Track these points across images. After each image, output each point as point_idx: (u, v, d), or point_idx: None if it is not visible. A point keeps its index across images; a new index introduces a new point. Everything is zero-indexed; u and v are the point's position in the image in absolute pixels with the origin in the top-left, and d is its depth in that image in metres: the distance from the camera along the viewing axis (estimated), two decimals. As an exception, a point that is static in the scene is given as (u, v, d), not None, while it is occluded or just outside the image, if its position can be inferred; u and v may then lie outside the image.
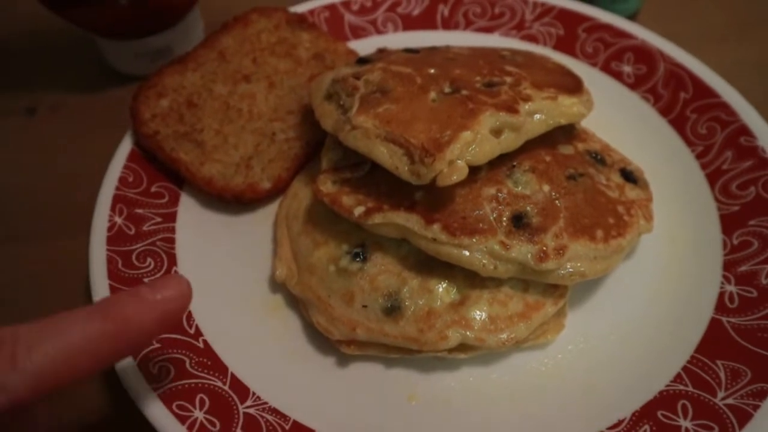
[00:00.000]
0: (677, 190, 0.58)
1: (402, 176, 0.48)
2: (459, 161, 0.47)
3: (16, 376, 0.31)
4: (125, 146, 0.60)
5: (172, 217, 0.58)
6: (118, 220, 0.55)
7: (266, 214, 0.60)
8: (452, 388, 0.49)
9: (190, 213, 0.59)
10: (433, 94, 0.52)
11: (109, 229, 0.54)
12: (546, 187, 0.51)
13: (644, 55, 0.66)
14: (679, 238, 0.56)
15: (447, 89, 0.53)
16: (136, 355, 0.46)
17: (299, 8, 0.73)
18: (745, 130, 0.58)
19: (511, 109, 0.50)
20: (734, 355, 0.47)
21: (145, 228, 0.56)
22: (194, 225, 0.58)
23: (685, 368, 0.47)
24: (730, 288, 0.51)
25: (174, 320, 0.38)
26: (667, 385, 0.47)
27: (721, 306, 0.50)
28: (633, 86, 0.66)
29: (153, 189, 0.59)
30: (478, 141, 0.48)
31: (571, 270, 0.49)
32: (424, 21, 0.74)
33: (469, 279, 0.50)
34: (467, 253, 0.47)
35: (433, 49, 0.62)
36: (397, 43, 0.70)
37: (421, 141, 0.47)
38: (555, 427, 0.46)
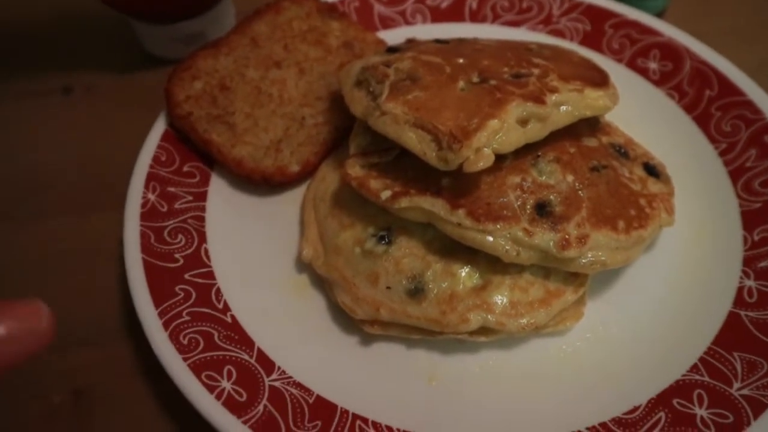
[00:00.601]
0: (700, 185, 0.59)
1: (430, 162, 0.49)
2: (486, 149, 0.48)
3: None
4: (159, 126, 0.62)
5: (202, 197, 0.59)
6: (151, 197, 0.57)
7: (293, 197, 0.62)
8: (471, 371, 0.50)
9: (220, 193, 0.60)
10: (461, 83, 0.53)
11: (143, 205, 0.56)
12: (570, 178, 0.52)
13: (670, 52, 0.67)
14: (700, 233, 0.56)
15: (475, 79, 0.54)
16: None
17: (333, -4, 0.74)
18: (769, 129, 0.59)
19: (538, 100, 0.51)
20: (751, 348, 0.47)
21: (176, 206, 0.57)
22: (224, 205, 0.60)
23: (701, 359, 0.48)
24: (750, 283, 0.52)
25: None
26: (684, 375, 0.47)
27: (739, 300, 0.51)
28: (658, 83, 0.66)
29: (185, 168, 0.60)
30: (504, 130, 0.49)
31: (592, 259, 0.50)
32: (452, 13, 0.75)
33: (491, 264, 0.51)
34: (491, 239, 0.49)
35: (461, 41, 0.63)
36: (425, 34, 0.71)
37: (450, 128, 0.48)
38: (572, 412, 0.47)
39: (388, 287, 0.51)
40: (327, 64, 0.67)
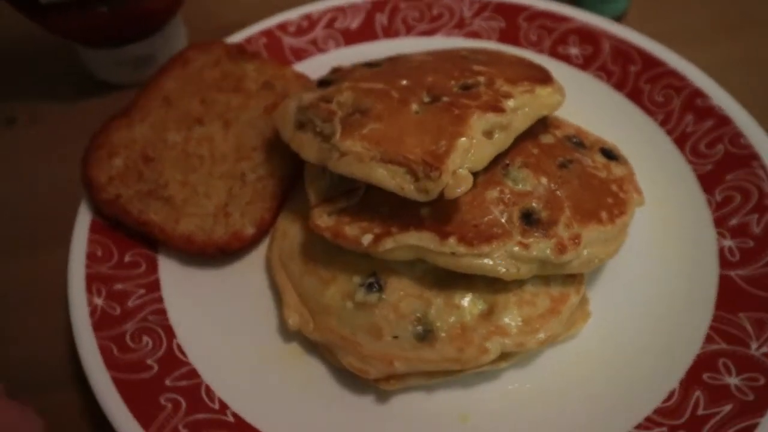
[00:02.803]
0: (651, 159, 0.60)
1: (408, 196, 0.46)
2: (460, 170, 0.46)
3: None
4: (84, 218, 0.54)
5: (155, 286, 0.53)
6: (99, 301, 0.50)
7: (253, 260, 0.56)
8: (501, 397, 0.48)
9: (173, 277, 0.54)
10: (414, 106, 0.51)
11: (92, 313, 0.49)
12: (543, 180, 0.51)
13: (587, 35, 0.68)
14: (665, 206, 0.57)
15: (426, 98, 0.51)
16: None
17: (234, 38, 0.69)
18: (698, 93, 0.61)
19: (497, 109, 0.50)
20: (753, 305, 0.49)
21: (130, 304, 0.50)
22: (181, 289, 0.53)
23: (712, 328, 0.48)
24: (728, 243, 0.53)
25: None
26: (702, 348, 0.48)
27: (724, 261, 0.52)
28: (584, 67, 0.67)
29: (127, 259, 0.53)
30: (474, 146, 0.47)
31: (587, 257, 0.49)
32: (364, 33, 0.72)
33: (490, 285, 0.49)
34: (490, 261, 0.46)
35: (392, 60, 0.60)
36: (342, 58, 0.68)
37: (419, 156, 0.46)
38: (615, 412, 0.46)
39: (395, 337, 0.47)
40: (251, 110, 0.62)
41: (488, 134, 0.49)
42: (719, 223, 0.54)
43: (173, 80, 0.62)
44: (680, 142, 0.60)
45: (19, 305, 0.57)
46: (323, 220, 0.50)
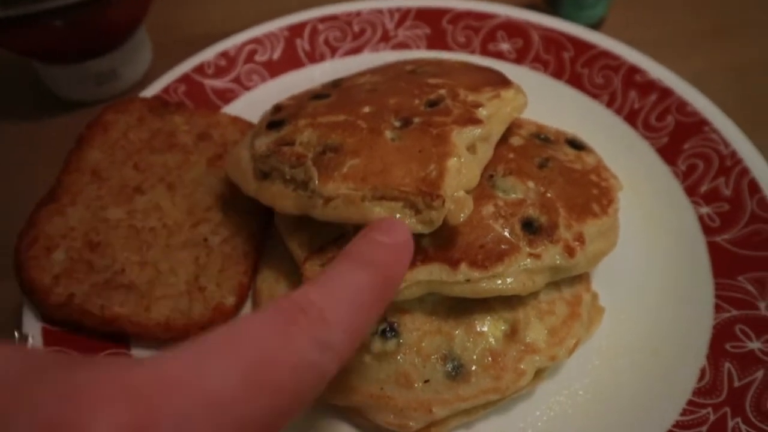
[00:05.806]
0: (607, 141, 0.61)
1: (411, 230, 0.43)
2: (458, 193, 0.44)
3: (337, 333, 0.29)
4: (32, 330, 0.46)
5: (139, 387, 0.46)
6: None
7: (238, 331, 0.51)
8: (541, 416, 0.46)
9: (155, 371, 0.47)
10: (388, 133, 0.47)
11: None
12: (531, 184, 0.50)
13: (514, 29, 0.68)
14: (634, 186, 0.58)
15: (396, 123, 0.48)
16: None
17: (149, 91, 0.62)
18: (635, 69, 0.63)
19: (474, 121, 0.48)
20: (749, 266, 0.50)
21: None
22: (169, 383, 0.47)
23: (718, 296, 0.50)
24: (705, 210, 0.55)
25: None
26: (715, 319, 0.48)
27: (707, 229, 0.54)
28: (518, 60, 0.67)
29: (97, 365, 0.46)
30: (464, 164, 0.45)
31: (593, 253, 0.48)
32: (288, 62, 0.68)
33: (505, 303, 0.47)
34: (509, 280, 0.44)
35: (339, 87, 0.56)
36: (271, 93, 0.64)
37: (413, 186, 0.43)
38: (655, 403, 0.46)
39: (426, 381, 0.44)
40: (193, 167, 0.56)
41: (471, 149, 0.47)
42: (690, 192, 0.56)
43: (97, 150, 0.55)
44: (631, 119, 0.61)
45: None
46: (318, 273, 0.46)
